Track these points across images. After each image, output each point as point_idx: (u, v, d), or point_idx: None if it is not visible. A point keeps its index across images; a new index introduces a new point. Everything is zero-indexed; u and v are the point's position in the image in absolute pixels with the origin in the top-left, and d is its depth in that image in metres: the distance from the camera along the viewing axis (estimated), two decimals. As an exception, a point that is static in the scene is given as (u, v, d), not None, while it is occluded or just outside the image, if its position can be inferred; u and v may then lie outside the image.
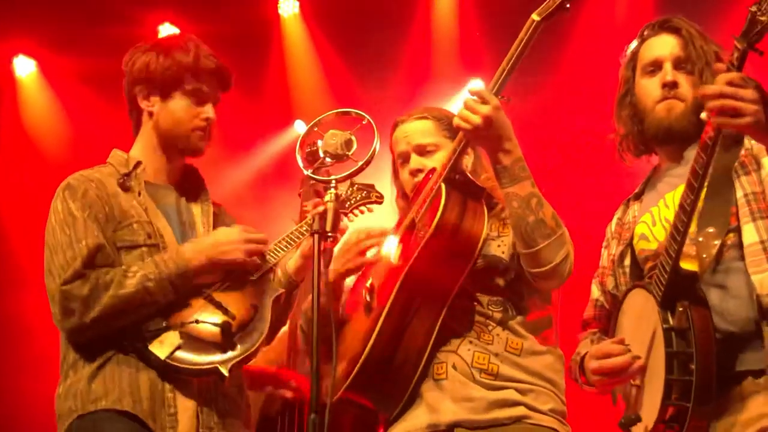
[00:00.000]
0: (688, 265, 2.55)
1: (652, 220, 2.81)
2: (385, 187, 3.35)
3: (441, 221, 2.80)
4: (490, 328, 2.89)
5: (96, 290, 2.93)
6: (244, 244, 3.11)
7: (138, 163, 3.19)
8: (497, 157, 2.78)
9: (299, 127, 6.89)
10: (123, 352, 2.98)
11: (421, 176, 3.07)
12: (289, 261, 3.28)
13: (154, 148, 3.23)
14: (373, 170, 2.86)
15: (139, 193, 3.13)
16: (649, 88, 2.85)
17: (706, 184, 2.49)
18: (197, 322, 3.01)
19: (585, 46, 6.24)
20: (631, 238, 2.84)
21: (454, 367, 2.85)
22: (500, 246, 2.92)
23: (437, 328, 2.84)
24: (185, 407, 2.96)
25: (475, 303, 2.90)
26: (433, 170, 3.00)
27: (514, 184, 2.77)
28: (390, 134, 3.18)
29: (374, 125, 2.86)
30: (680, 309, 2.49)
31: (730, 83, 2.34)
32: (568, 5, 2.68)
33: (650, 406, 2.54)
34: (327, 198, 2.71)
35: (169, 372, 2.95)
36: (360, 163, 2.77)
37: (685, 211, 2.48)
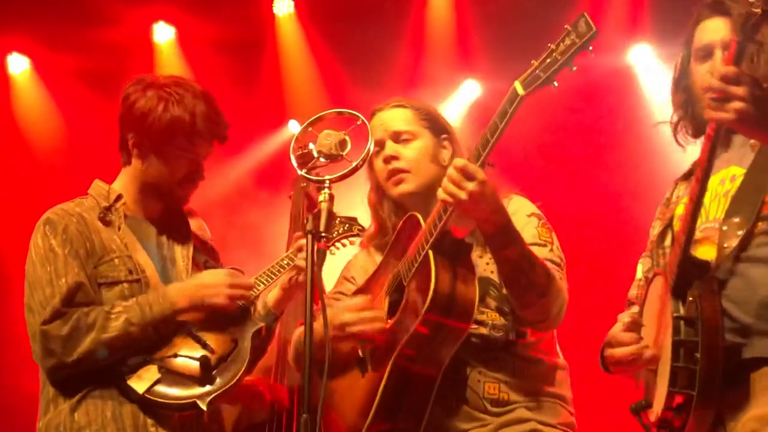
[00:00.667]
0: (702, 254, 2.55)
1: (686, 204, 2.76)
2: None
3: (435, 296, 2.72)
4: (495, 354, 2.88)
5: (77, 331, 2.92)
6: (228, 289, 3.07)
7: (119, 197, 3.16)
8: (485, 227, 2.73)
9: (293, 127, 6.88)
10: (103, 386, 2.96)
11: (395, 164, 3.02)
12: (269, 294, 3.26)
13: (135, 181, 3.19)
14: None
15: (119, 227, 3.10)
16: (701, 74, 2.75)
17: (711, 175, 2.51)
18: (176, 356, 2.99)
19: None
20: (671, 219, 2.81)
21: (464, 400, 2.85)
22: (489, 264, 2.90)
23: (434, 391, 2.80)
24: None
25: (479, 331, 2.87)
26: (414, 219, 2.93)
27: (504, 249, 2.73)
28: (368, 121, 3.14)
29: (368, 126, 2.84)
30: (690, 299, 2.49)
31: (722, 78, 2.34)
32: (555, 83, 2.56)
33: (659, 393, 2.54)
34: (321, 198, 2.67)
35: (149, 406, 2.94)
36: (354, 164, 2.74)
37: (692, 203, 2.48)
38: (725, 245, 2.54)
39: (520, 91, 2.59)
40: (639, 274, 2.96)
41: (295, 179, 3.46)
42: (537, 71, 2.56)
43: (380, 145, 3.08)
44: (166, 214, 3.26)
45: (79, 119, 6.90)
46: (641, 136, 6.30)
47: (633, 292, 2.95)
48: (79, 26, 6.60)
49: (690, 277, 2.51)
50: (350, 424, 2.90)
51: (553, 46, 2.53)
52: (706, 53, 2.73)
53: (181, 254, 3.21)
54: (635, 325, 2.67)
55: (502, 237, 2.72)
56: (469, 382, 2.84)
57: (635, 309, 2.89)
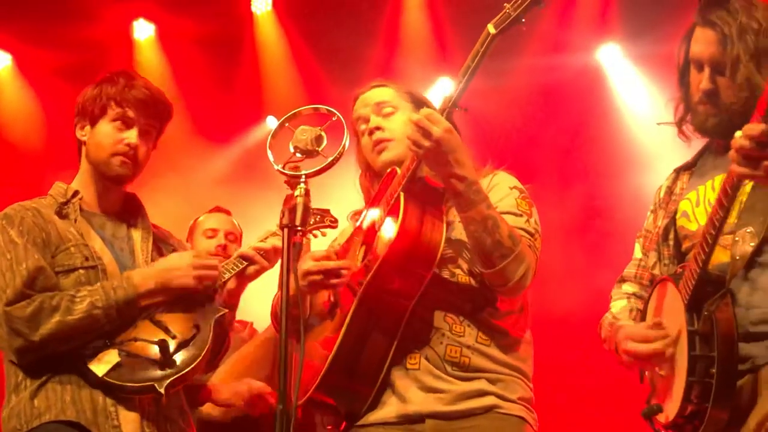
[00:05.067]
0: (717, 267, 2.53)
1: (696, 199, 2.73)
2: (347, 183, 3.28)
3: (400, 233, 2.74)
4: (461, 319, 2.84)
5: (41, 312, 2.90)
6: (194, 270, 3.05)
7: (75, 193, 3.17)
8: (451, 184, 2.72)
9: (271, 123, 6.88)
10: (64, 371, 2.94)
11: (378, 134, 3.02)
12: (228, 283, 3.23)
13: (89, 176, 3.21)
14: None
15: (75, 220, 3.10)
16: (694, 83, 2.73)
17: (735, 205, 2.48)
18: (136, 339, 2.96)
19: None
20: (675, 213, 2.77)
21: (426, 358, 2.81)
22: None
23: (400, 330, 2.80)
24: (128, 420, 2.92)
25: (447, 293, 2.85)
26: (393, 172, 2.94)
27: (470, 209, 2.73)
28: (351, 107, 3.14)
29: (344, 122, 2.82)
30: (705, 314, 2.47)
31: (753, 138, 2.26)
32: (523, 20, 2.62)
33: (672, 401, 2.54)
34: (297, 192, 2.64)
35: (109, 389, 2.91)
36: (330, 159, 2.71)
37: (714, 226, 2.45)
38: (737, 257, 2.52)
39: (492, 29, 2.66)
40: (638, 253, 2.93)
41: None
42: (508, 11, 2.64)
43: (364, 120, 3.08)
44: (124, 207, 3.27)
45: (60, 115, 6.83)
46: (610, 133, 6.36)
47: (630, 270, 2.92)
48: (60, 23, 6.57)
49: (705, 291, 2.50)
50: (311, 378, 2.87)
51: None
52: (698, 65, 2.70)
53: (140, 245, 3.20)
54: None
55: (467, 197, 2.72)
56: (431, 343, 2.82)
57: (629, 287, 2.89)
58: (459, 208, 2.76)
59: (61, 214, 3.11)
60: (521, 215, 2.91)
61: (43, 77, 6.99)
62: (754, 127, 2.26)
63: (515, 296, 2.88)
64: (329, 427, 3.00)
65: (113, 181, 3.19)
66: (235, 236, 4.39)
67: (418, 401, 2.79)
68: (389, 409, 2.82)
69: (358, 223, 3.09)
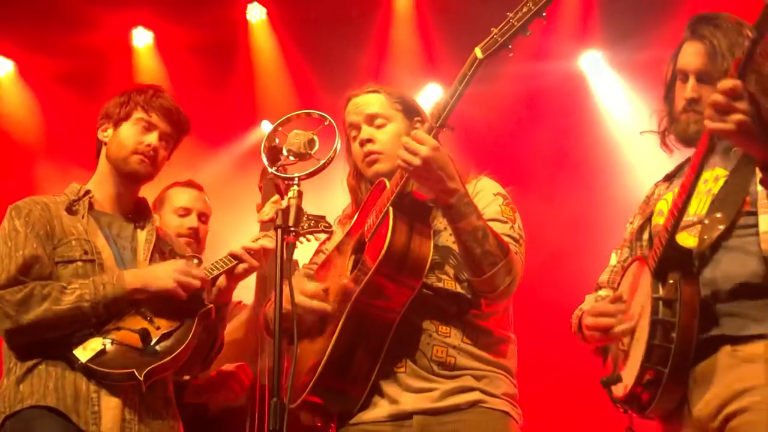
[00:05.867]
0: (685, 242, 2.59)
1: (673, 198, 2.75)
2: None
3: (389, 250, 2.76)
4: (447, 320, 2.89)
5: (31, 298, 2.99)
6: (178, 275, 3.12)
7: (87, 192, 3.27)
8: (441, 198, 2.77)
9: (265, 127, 6.87)
10: (52, 357, 3.02)
11: (369, 146, 3.05)
12: (218, 281, 3.29)
13: (105, 177, 3.32)
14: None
15: (83, 216, 3.20)
16: (679, 94, 2.80)
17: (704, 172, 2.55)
18: (120, 329, 3.05)
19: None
20: (651, 214, 2.84)
21: (413, 361, 2.86)
22: (452, 235, 2.91)
23: (388, 339, 2.84)
24: (109, 406, 2.99)
25: (433, 298, 2.89)
26: (381, 183, 2.97)
27: (460, 220, 2.77)
28: (342, 109, 3.16)
29: (336, 126, 2.87)
30: (671, 281, 2.52)
31: (724, 91, 2.36)
32: (510, 46, 2.66)
33: (631, 369, 2.58)
34: (290, 195, 2.70)
35: (92, 375, 2.99)
36: (322, 162, 2.77)
37: (685, 194, 2.52)
38: (705, 237, 2.58)
39: (479, 54, 2.69)
40: (613, 261, 2.99)
41: (264, 170, 3.49)
42: (495, 36, 2.67)
43: (356, 128, 3.10)
44: (135, 209, 3.37)
45: (60, 120, 6.89)
46: (593, 138, 6.37)
47: (604, 277, 2.98)
48: (61, 31, 6.59)
49: (672, 261, 2.55)
50: (304, 382, 2.89)
51: (511, 15, 2.66)
52: (683, 77, 2.78)
53: (143, 245, 3.28)
54: (618, 300, 2.70)
55: (458, 209, 2.76)
56: (420, 345, 2.85)
57: (603, 292, 2.94)
58: (450, 219, 2.80)
59: (71, 210, 3.21)
60: (506, 222, 2.95)
61: (44, 83, 7.02)
62: (727, 82, 2.36)
63: (501, 302, 2.93)
64: (319, 424, 3.03)
65: (130, 177, 3.29)
66: (207, 216, 4.18)
67: (407, 401, 2.84)
68: (380, 409, 2.86)
69: (346, 232, 3.10)
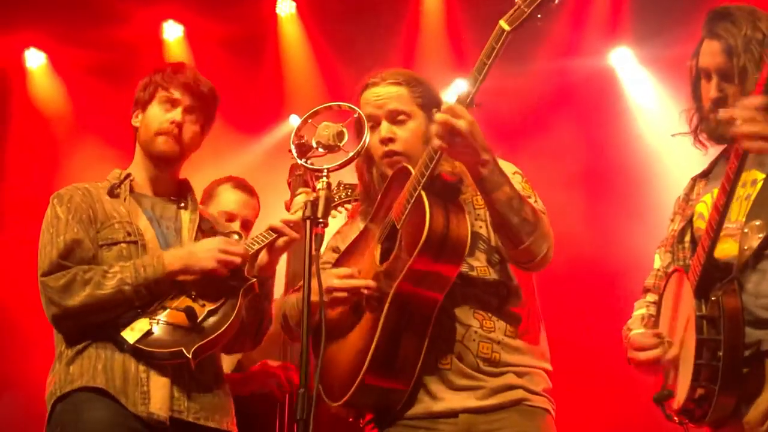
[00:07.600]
0: (723, 251, 2.56)
1: (711, 201, 2.73)
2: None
3: (429, 234, 2.69)
4: (489, 315, 2.85)
5: (73, 284, 3.00)
6: (218, 254, 3.10)
7: (128, 175, 3.28)
8: (476, 170, 2.70)
9: (294, 121, 6.85)
10: (101, 339, 3.02)
11: (391, 146, 2.96)
12: (260, 256, 3.26)
13: (141, 161, 3.32)
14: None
15: (125, 199, 3.21)
16: (704, 93, 2.77)
17: (739, 186, 2.53)
18: (165, 308, 3.04)
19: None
20: (692, 216, 2.80)
21: (459, 357, 2.82)
22: (477, 219, 2.88)
23: (431, 326, 2.78)
24: (158, 386, 2.98)
25: (472, 288, 2.85)
26: (404, 170, 2.87)
27: (495, 190, 2.71)
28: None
29: (364, 118, 2.83)
30: (713, 299, 2.50)
31: (755, 108, 2.35)
32: (539, 15, 2.55)
33: (682, 385, 2.57)
34: (319, 186, 2.68)
35: (140, 356, 2.99)
36: (351, 154, 2.74)
37: (719, 212, 2.50)
38: (746, 247, 2.54)
39: (506, 27, 2.58)
40: (657, 264, 2.96)
41: (293, 166, 3.45)
42: (521, 7, 2.57)
43: (374, 120, 2.97)
44: (177, 190, 3.36)
45: (92, 112, 6.92)
46: (623, 136, 6.30)
47: (650, 281, 2.95)
48: (92, 24, 6.61)
49: (712, 277, 2.53)
50: (345, 379, 2.83)
51: None
52: (706, 76, 2.74)
53: (188, 225, 3.27)
54: (657, 336, 2.70)
55: (492, 178, 2.70)
56: (465, 341, 2.81)
57: (650, 297, 2.91)
58: (484, 191, 2.73)
59: (113, 194, 3.21)
60: (530, 196, 2.90)
61: (75, 75, 7.05)
62: (753, 101, 2.35)
63: (539, 271, 2.88)
64: (351, 419, 3.00)
65: (160, 159, 3.27)
66: (251, 224, 4.10)
67: (450, 399, 2.80)
68: (423, 406, 2.82)
69: (366, 223, 3.04)
